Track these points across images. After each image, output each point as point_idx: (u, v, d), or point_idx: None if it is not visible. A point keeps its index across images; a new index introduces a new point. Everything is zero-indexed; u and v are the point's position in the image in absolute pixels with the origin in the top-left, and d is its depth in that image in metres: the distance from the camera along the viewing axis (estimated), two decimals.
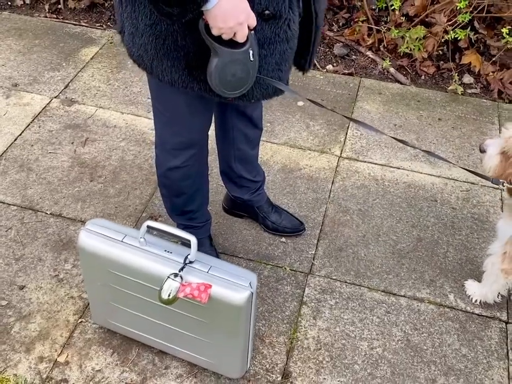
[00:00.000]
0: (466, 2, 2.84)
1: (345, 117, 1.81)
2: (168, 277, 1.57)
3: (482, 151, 1.84)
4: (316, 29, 1.59)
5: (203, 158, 1.92)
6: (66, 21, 3.49)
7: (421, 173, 2.60)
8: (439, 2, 3.10)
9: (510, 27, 2.90)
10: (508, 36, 2.90)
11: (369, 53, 3.32)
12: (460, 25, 2.99)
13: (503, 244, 1.89)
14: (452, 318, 2.06)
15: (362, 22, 3.32)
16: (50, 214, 2.34)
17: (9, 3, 3.61)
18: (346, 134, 2.79)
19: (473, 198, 2.50)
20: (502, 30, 2.89)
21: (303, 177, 2.56)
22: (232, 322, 1.64)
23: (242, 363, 1.79)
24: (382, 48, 3.30)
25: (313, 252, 2.24)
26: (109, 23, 3.51)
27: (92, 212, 2.35)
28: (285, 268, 2.19)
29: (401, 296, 2.12)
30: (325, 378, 1.87)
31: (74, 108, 2.84)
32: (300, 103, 2.94)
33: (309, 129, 2.80)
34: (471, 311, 2.08)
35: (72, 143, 2.65)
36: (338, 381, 1.86)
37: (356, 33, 3.36)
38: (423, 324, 2.04)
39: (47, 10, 3.56)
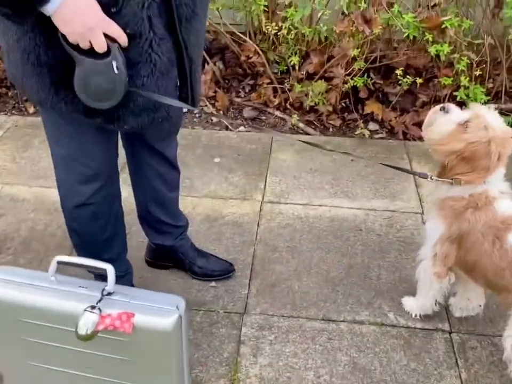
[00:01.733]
0: (359, 50, 3.02)
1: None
2: (85, 310, 1.42)
3: (445, 110, 1.70)
4: (188, 59, 1.54)
5: (113, 196, 1.82)
6: None
7: (342, 207, 2.61)
8: (334, 57, 3.28)
9: (402, 68, 3.10)
10: (402, 78, 3.09)
11: (277, 113, 3.42)
12: (357, 74, 3.16)
13: (433, 246, 1.84)
14: (395, 336, 1.98)
15: (267, 84, 3.45)
16: None
17: None
18: (266, 181, 2.79)
19: (396, 224, 2.52)
20: (396, 72, 3.07)
21: (228, 223, 2.49)
22: (162, 355, 1.48)
23: None
24: (289, 106, 3.41)
25: (246, 292, 2.14)
26: (13, 111, 3.45)
27: None
28: (218, 311, 2.06)
29: (341, 321, 2.03)
30: None
31: None
32: (217, 160, 2.94)
33: (228, 181, 2.78)
34: (413, 326, 2.02)
35: None
36: None
37: (262, 96, 3.47)
38: (368, 345, 1.95)
39: None
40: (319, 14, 2.97)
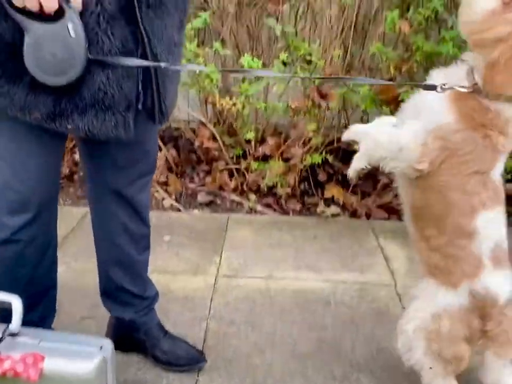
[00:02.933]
0: (316, 125, 2.93)
1: None
2: None
3: None
4: (152, 56, 1.33)
5: (48, 235, 1.50)
6: None
7: (307, 279, 2.33)
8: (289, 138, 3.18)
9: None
10: None
11: (233, 196, 3.23)
12: (315, 152, 3.04)
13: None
14: None
15: (222, 168, 3.29)
16: None
17: None
18: (221, 255, 2.51)
19: (368, 296, 2.24)
20: (355, 147, 2.96)
21: (177, 298, 2.16)
22: None
23: None
24: (245, 189, 3.23)
25: (195, 369, 1.77)
26: None
27: None
28: None
29: None
30: None
31: None
32: (167, 238, 2.65)
33: (179, 256, 2.49)
34: None
35: None
36: None
37: (217, 180, 3.29)
38: None
39: None
40: (274, 89, 2.90)
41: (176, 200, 3.21)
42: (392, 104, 2.83)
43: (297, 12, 3.11)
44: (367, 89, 2.77)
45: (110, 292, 1.74)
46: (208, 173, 3.42)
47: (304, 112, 2.95)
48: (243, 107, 2.91)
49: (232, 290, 2.24)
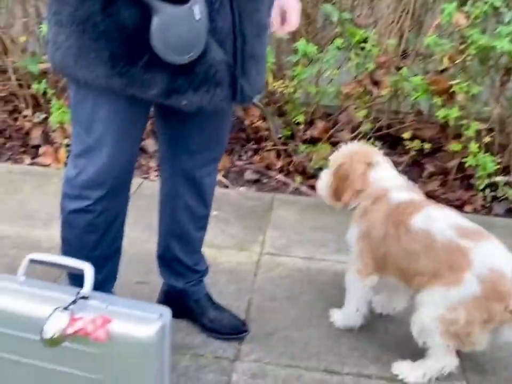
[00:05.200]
0: (366, 111, 2.98)
1: None
2: (54, 310, 1.22)
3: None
4: (241, 35, 1.41)
5: (118, 209, 1.64)
6: None
7: (347, 263, 2.42)
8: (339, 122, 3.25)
9: (411, 130, 3.05)
10: (410, 142, 3.03)
11: (279, 176, 3.33)
12: (363, 139, 3.10)
13: (353, 248, 1.93)
14: None
15: (270, 147, 3.38)
16: None
17: None
18: (265, 234, 2.63)
19: None
20: (404, 136, 3.02)
21: (223, 271, 2.30)
22: (139, 373, 1.26)
23: None
24: (291, 169, 3.32)
25: (238, 338, 1.91)
26: (8, 162, 3.35)
27: None
28: (207, 356, 1.83)
29: (345, 374, 1.79)
30: None
31: None
32: (214, 213, 2.78)
33: (225, 232, 2.62)
34: None
35: None
36: None
37: (264, 159, 3.39)
38: None
39: None
40: (327, 73, 2.97)
41: (224, 176, 3.33)
42: (444, 95, 2.87)
43: None
44: (420, 78, 2.80)
45: (166, 261, 1.89)
46: (256, 151, 3.52)
47: (355, 98, 3.01)
48: (294, 91, 2.99)
49: (275, 267, 2.36)
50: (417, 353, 1.85)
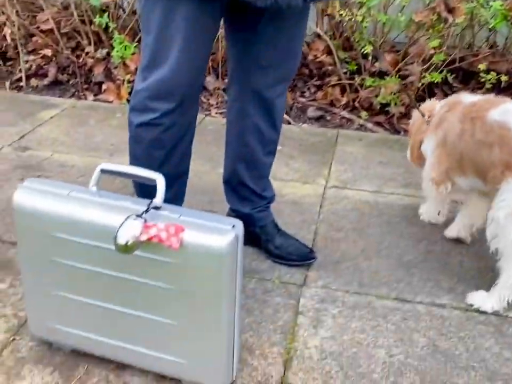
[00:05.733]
0: (439, 41, 2.81)
1: None
2: (128, 217, 1.21)
3: None
4: None
5: (187, 124, 1.59)
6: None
7: (417, 197, 2.33)
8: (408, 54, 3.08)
9: (486, 63, 2.86)
10: (485, 75, 2.85)
11: (343, 112, 3.22)
12: (434, 69, 2.94)
13: (429, 158, 1.94)
14: (484, 322, 1.66)
15: (334, 85, 3.26)
16: None
17: None
18: (330, 168, 2.55)
19: None
20: (479, 66, 2.84)
21: (287, 202, 2.26)
22: (212, 284, 1.23)
23: (226, 364, 1.34)
24: (357, 105, 3.20)
25: (305, 265, 1.87)
26: (72, 98, 3.37)
27: None
28: (274, 281, 1.80)
29: (417, 302, 1.73)
30: None
31: (28, 153, 2.57)
32: (278, 147, 2.73)
33: (289, 166, 2.56)
34: (505, 314, 1.70)
35: (22, 179, 2.33)
36: None
37: (328, 95, 3.28)
38: (450, 329, 1.63)
39: (8, 88, 3.43)
40: (397, 1, 2.80)
41: (287, 113, 3.25)
42: None
43: None
44: (499, 4, 2.60)
45: (233, 185, 1.86)
46: (319, 87, 3.41)
47: (427, 26, 2.84)
48: (362, 19, 2.84)
49: (341, 200, 2.30)
50: (492, 285, 1.78)
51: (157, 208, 1.26)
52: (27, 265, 1.39)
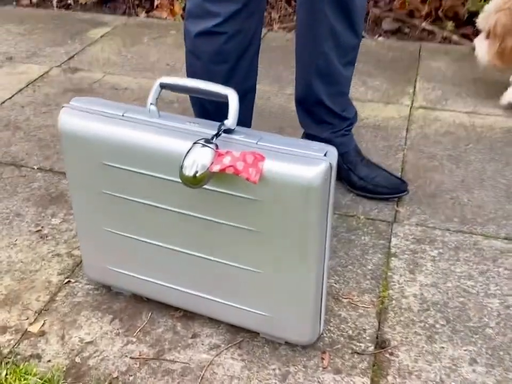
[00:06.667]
0: None
1: None
2: (195, 143, 0.97)
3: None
4: None
5: (250, 30, 1.31)
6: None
7: None
8: None
9: None
10: None
11: (425, 24, 2.83)
12: None
13: None
14: None
15: None
16: (37, 169, 1.76)
17: (14, 2, 3.26)
18: (415, 86, 2.23)
19: None
20: None
21: (368, 126, 1.97)
22: (298, 222, 0.99)
23: (314, 317, 1.12)
24: (440, 14, 2.80)
25: (396, 199, 1.61)
26: (124, 16, 3.11)
27: None
28: (358, 217, 1.55)
29: None
30: (443, 347, 1.17)
31: (78, 75, 2.35)
32: None
33: (367, 85, 2.25)
34: None
35: None
36: (466, 350, 1.17)
37: (407, 5, 2.89)
38: None
39: (55, 6, 3.19)
40: None
41: None
42: None
43: None
44: None
45: (307, 106, 1.58)
46: None
47: None
48: None
49: (431, 123, 1.99)
50: None
51: (229, 131, 1.02)
52: (78, 198, 1.19)
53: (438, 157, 1.80)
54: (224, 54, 1.30)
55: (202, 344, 1.18)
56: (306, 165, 0.95)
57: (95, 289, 1.32)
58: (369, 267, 1.38)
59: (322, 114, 1.58)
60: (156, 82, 1.06)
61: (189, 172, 0.95)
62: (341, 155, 1.61)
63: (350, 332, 1.21)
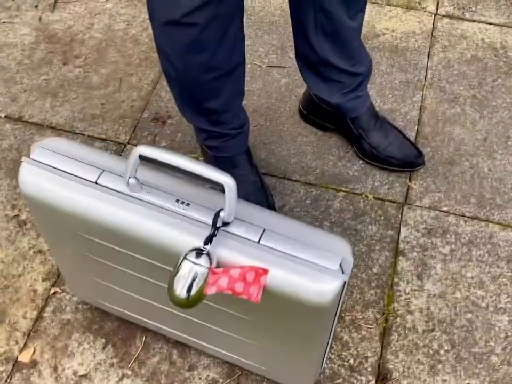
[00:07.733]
0: None
1: None
2: (185, 257, 0.81)
3: None
4: None
5: (228, 10, 1.03)
6: None
7: None
8: None
9: None
10: None
11: None
12: None
13: None
14: None
15: None
16: (5, 117, 1.55)
17: None
18: None
19: None
20: None
21: (383, 48, 1.70)
22: (304, 331, 0.89)
23: (316, 371, 1.08)
24: None
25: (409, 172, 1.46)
26: None
27: (67, 113, 1.56)
28: (366, 196, 1.41)
29: None
30: (445, 381, 1.16)
31: None
32: None
33: None
34: None
35: (37, 6, 1.79)
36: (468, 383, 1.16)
37: None
38: None
39: None
40: None
41: None
42: None
43: None
44: None
45: (314, 66, 1.32)
46: None
47: None
48: None
49: (456, 42, 1.71)
50: None
51: (226, 224, 0.85)
52: (58, 253, 1.05)
53: (461, 100, 1.58)
54: (200, 45, 1.04)
55: (200, 379, 1.16)
56: (317, 281, 0.81)
57: (84, 303, 1.25)
58: (375, 270, 1.30)
59: (329, 73, 1.33)
60: (133, 153, 0.85)
61: (180, 293, 0.81)
62: (351, 120, 1.42)
63: (352, 361, 1.18)
